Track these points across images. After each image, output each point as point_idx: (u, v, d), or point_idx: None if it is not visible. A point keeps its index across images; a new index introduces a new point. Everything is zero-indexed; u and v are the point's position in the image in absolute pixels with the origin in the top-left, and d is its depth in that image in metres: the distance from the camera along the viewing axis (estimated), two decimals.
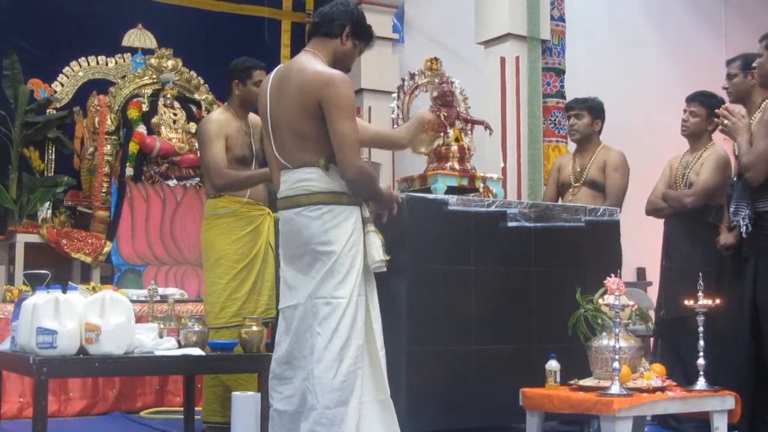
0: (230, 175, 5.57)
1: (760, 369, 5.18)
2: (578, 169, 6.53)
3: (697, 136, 6.15)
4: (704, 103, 6.11)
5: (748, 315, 5.20)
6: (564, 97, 8.21)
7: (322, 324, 4.18)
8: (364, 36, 4.52)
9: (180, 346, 4.82)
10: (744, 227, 5.18)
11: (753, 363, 5.19)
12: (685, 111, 6.19)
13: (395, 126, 5.69)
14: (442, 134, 5.65)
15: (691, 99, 6.19)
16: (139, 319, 5.44)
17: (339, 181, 4.24)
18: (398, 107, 5.96)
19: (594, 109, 6.56)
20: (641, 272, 9.88)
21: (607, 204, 6.17)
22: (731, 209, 5.26)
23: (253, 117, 5.84)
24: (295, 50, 9.73)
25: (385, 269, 4.34)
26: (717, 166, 6.01)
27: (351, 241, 4.23)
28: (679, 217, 6.07)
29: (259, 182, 5.68)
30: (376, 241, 4.30)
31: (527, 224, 5.39)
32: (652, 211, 6.28)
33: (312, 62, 4.31)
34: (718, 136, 6.05)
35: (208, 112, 8.37)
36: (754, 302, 5.19)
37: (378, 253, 4.29)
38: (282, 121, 4.31)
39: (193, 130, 8.39)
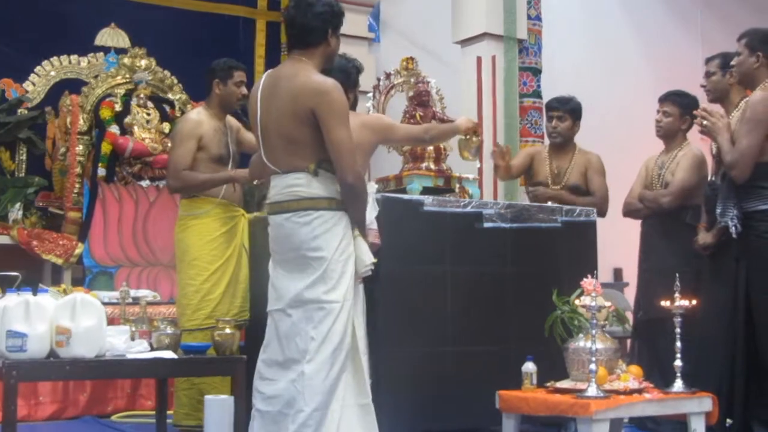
0: (185, 178, 5.60)
1: (750, 368, 5.17)
2: (555, 172, 6.50)
3: (671, 136, 6.15)
4: (677, 102, 6.12)
5: (743, 316, 5.18)
6: (540, 97, 8.22)
7: (316, 328, 4.21)
8: (341, 21, 4.51)
9: (152, 349, 4.79)
10: (733, 228, 5.15)
11: (744, 363, 5.17)
12: (658, 111, 6.20)
13: None
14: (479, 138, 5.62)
15: (664, 99, 6.20)
16: (111, 321, 5.40)
17: (328, 187, 4.27)
18: (373, 107, 5.94)
19: (575, 112, 6.53)
20: (618, 273, 9.88)
21: (591, 202, 6.18)
22: (718, 210, 5.23)
23: (230, 118, 5.90)
24: (270, 50, 9.73)
25: (371, 273, 4.39)
26: (693, 165, 6.00)
27: (342, 246, 4.26)
28: (656, 217, 6.07)
29: (216, 185, 5.67)
30: (364, 245, 4.35)
31: (503, 225, 5.39)
32: (628, 212, 6.28)
33: (302, 69, 4.33)
34: (692, 135, 6.05)
35: (182, 112, 8.34)
36: (747, 303, 5.18)
37: (368, 257, 4.35)
38: (272, 127, 4.34)
39: (166, 131, 8.36)
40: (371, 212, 4.77)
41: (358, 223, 4.37)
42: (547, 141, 7.13)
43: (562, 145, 6.53)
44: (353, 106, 5.16)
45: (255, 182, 5.56)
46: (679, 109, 6.09)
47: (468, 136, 5.38)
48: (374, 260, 4.39)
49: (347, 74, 5.09)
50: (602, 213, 6.29)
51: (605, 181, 6.46)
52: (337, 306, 4.21)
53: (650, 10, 11.18)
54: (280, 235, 4.36)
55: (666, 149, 6.20)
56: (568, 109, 6.52)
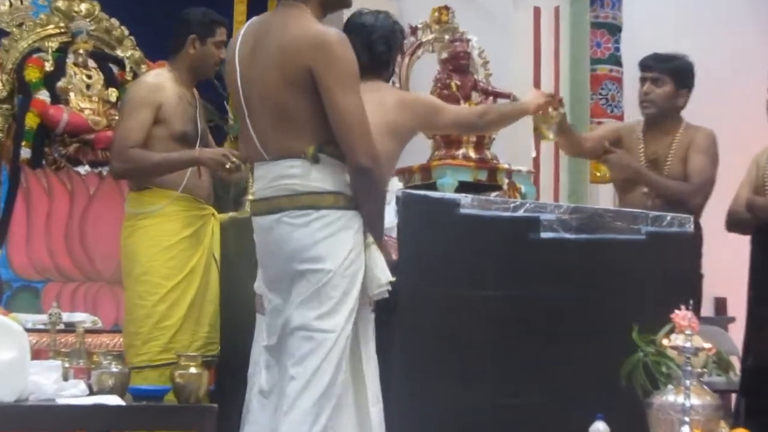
0: (133, 158, 5.65)
1: None
2: (652, 158, 6.46)
3: None
4: None
5: None
6: (619, 63, 8.22)
7: (298, 364, 4.19)
8: None
9: (91, 393, 4.80)
10: None
11: None
12: None
13: None
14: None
15: None
16: (37, 354, 5.41)
17: (333, 178, 4.27)
18: (395, 72, 5.95)
19: (680, 75, 6.45)
20: (721, 304, 9.88)
21: (681, 189, 6.14)
22: None
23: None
24: None
25: (387, 295, 4.39)
26: None
27: (351, 257, 4.25)
28: None
29: (176, 169, 5.73)
30: (379, 257, 4.34)
31: (567, 235, 5.38)
32: (734, 224, 6.27)
33: (296, 17, 4.33)
34: None
35: (135, 74, 8.33)
36: None
37: (384, 274, 4.33)
38: (256, 95, 4.33)
39: (113, 98, 8.35)
40: (390, 217, 4.77)
41: (372, 225, 4.36)
42: (627, 117, 7.09)
43: (661, 120, 6.48)
44: (389, 79, 5.22)
45: (228, 166, 5.54)
46: None
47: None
48: (392, 278, 4.39)
49: (394, 37, 5.17)
50: (694, 207, 6.20)
51: (710, 165, 6.38)
52: (332, 337, 4.19)
53: None
54: (269, 243, 4.37)
55: None
56: (669, 70, 6.44)
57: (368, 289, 4.32)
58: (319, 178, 4.25)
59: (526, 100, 5.49)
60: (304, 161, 4.25)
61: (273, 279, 4.39)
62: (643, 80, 6.49)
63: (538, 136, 5.74)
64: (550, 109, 5.53)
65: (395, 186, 4.98)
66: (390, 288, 4.38)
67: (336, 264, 4.20)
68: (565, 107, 5.73)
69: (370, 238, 4.34)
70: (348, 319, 4.23)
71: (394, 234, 4.84)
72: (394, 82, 5.94)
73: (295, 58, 4.22)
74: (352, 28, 5.21)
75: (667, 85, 6.41)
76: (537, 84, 8.10)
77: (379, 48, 5.30)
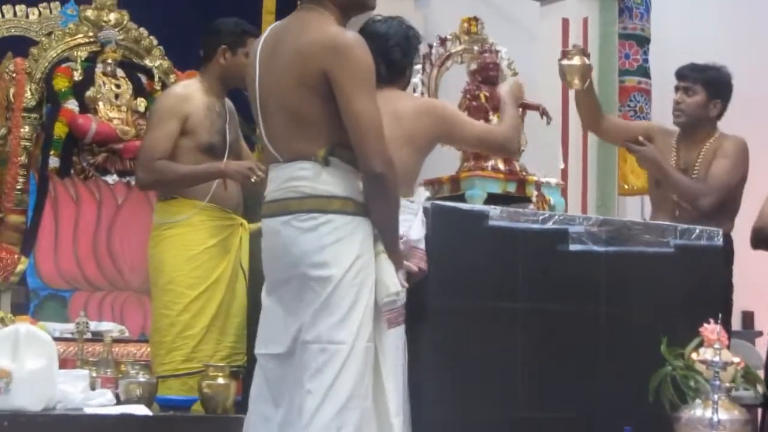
0: (159, 170, 5.67)
1: None
2: (683, 166, 6.45)
3: None
4: None
5: None
6: (647, 75, 8.19)
7: (314, 378, 4.10)
8: None
9: (118, 402, 4.80)
10: None
11: None
12: None
13: None
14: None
15: None
16: (64, 363, 5.42)
17: (344, 182, 4.20)
18: (423, 83, 5.94)
19: (713, 85, 6.45)
20: (748, 318, 9.81)
21: (698, 188, 6.13)
22: None
23: (229, 102, 6.01)
24: (282, 4, 9.72)
25: (398, 305, 4.32)
26: None
27: (358, 264, 4.15)
28: None
29: (202, 182, 5.73)
30: (388, 267, 4.25)
31: (596, 248, 5.36)
32: (759, 241, 6.23)
33: (314, 20, 4.28)
34: None
35: (163, 84, 8.36)
36: None
37: (393, 282, 4.23)
38: (272, 98, 4.29)
39: (141, 108, 8.38)
40: (418, 228, 4.75)
41: (384, 233, 4.27)
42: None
43: (693, 129, 6.47)
44: (406, 87, 5.21)
45: (253, 179, 5.53)
46: None
47: (569, 61, 5.78)
48: (400, 288, 4.28)
49: (409, 43, 5.15)
50: (702, 207, 6.19)
51: (730, 169, 6.35)
52: (345, 348, 4.10)
53: None
54: (276, 247, 4.30)
55: None
56: (702, 80, 6.44)
57: (377, 298, 4.22)
58: (329, 181, 4.18)
59: (510, 94, 5.52)
60: (315, 164, 4.18)
61: (274, 283, 4.31)
62: (676, 89, 6.50)
63: (568, 82, 6.03)
64: (576, 59, 5.76)
65: (422, 197, 4.94)
66: (398, 299, 4.27)
67: (341, 271, 4.10)
68: (590, 57, 5.95)
69: (380, 246, 4.25)
70: (360, 329, 4.12)
71: (423, 245, 4.82)
72: (423, 93, 5.94)
73: (311, 61, 4.16)
74: (366, 37, 5.17)
75: (699, 94, 6.41)
76: (565, 95, 8.07)
77: (394, 56, 5.28)
